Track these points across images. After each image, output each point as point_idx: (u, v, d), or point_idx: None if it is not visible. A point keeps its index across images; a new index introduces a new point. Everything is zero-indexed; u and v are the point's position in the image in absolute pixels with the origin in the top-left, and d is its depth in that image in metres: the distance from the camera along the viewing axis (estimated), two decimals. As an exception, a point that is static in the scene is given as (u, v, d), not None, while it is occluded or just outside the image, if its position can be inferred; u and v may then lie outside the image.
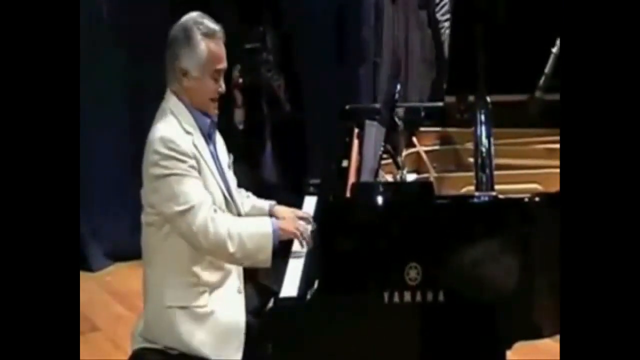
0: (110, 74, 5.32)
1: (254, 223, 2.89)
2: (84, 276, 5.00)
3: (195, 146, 2.83)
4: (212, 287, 2.87)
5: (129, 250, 4.67)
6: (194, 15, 2.88)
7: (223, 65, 2.89)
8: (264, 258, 2.83)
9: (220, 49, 2.87)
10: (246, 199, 3.18)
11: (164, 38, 2.91)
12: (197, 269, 2.84)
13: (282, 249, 2.92)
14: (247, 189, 3.24)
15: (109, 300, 4.94)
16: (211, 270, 2.86)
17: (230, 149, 3.11)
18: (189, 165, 2.79)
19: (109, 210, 5.42)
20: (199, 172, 2.83)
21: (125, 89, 5.41)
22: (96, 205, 5.34)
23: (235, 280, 2.94)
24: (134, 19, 5.33)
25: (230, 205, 2.96)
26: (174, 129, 2.82)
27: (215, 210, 2.82)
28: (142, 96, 5.21)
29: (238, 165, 3.15)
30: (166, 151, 2.76)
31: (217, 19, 2.93)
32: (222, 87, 2.91)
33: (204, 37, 2.84)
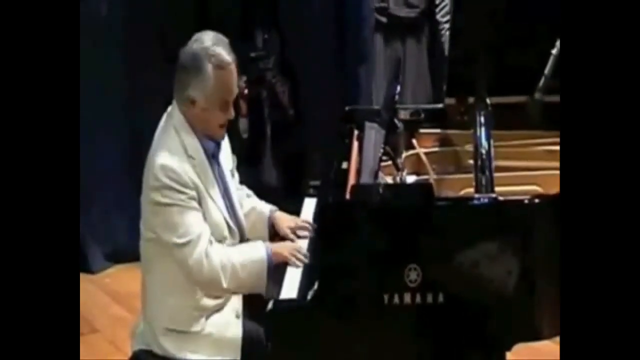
0: (109, 74, 5.31)
1: (247, 252, 2.84)
2: (83, 278, 4.98)
3: (197, 173, 2.79)
4: (211, 311, 2.85)
5: (128, 251, 4.67)
6: (206, 43, 2.75)
7: (233, 95, 2.82)
8: (259, 285, 2.81)
9: (231, 79, 2.78)
10: (246, 199, 3.15)
11: (164, 39, 2.88)
12: (195, 293, 2.82)
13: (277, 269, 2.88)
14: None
15: (109, 302, 4.93)
16: (210, 296, 2.85)
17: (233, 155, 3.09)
18: (189, 196, 2.76)
19: (108, 212, 5.41)
20: (199, 201, 2.80)
21: (124, 89, 5.39)
22: (96, 206, 5.33)
23: (235, 304, 2.91)
24: (133, 20, 5.32)
25: (233, 231, 2.91)
26: (176, 154, 2.77)
27: (211, 242, 2.79)
28: (141, 97, 5.20)
29: (239, 168, 3.14)
30: (167, 181, 2.73)
31: (220, 28, 2.87)
32: (232, 114, 2.84)
33: (215, 68, 2.74)
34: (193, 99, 2.77)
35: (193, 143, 2.82)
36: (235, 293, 2.89)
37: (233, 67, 2.78)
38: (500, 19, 3.57)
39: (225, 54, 2.76)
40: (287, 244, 2.99)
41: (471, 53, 3.54)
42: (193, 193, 2.77)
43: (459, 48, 3.80)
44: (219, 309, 2.87)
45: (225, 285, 2.78)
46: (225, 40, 2.81)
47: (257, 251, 2.84)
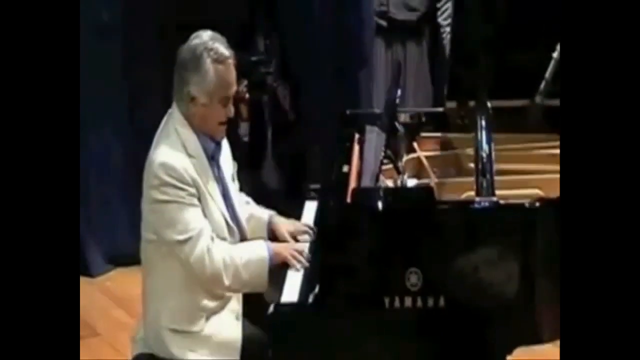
0: (109, 75, 5.28)
1: (249, 250, 2.85)
2: (84, 281, 4.98)
3: (196, 171, 2.81)
4: (210, 312, 2.86)
5: (129, 255, 4.66)
6: (205, 38, 2.80)
7: (232, 90, 2.85)
8: (260, 284, 2.83)
9: (230, 74, 2.82)
10: (245, 205, 3.14)
11: (165, 36, 2.86)
12: (195, 293, 2.83)
13: (278, 268, 2.89)
14: (248, 195, 3.23)
15: (109, 306, 4.93)
16: (210, 296, 2.86)
17: (234, 159, 3.09)
18: (189, 193, 2.77)
19: (109, 215, 5.40)
20: (199, 199, 2.81)
21: (124, 93, 5.38)
22: (96, 209, 5.33)
23: (235, 306, 2.92)
24: (133, 17, 5.30)
25: (233, 230, 2.92)
26: (176, 153, 2.79)
27: (212, 239, 2.80)
28: (142, 96, 5.19)
29: (240, 172, 3.14)
30: (167, 178, 2.75)
31: (221, 32, 2.88)
32: (231, 111, 2.87)
33: (214, 63, 2.77)
34: (193, 95, 2.80)
35: (193, 142, 2.84)
36: (237, 292, 2.90)
37: (231, 62, 2.82)
38: (501, 22, 3.58)
39: (223, 48, 2.80)
40: (288, 245, 2.99)
41: (472, 56, 3.55)
42: (192, 190, 2.79)
43: (460, 51, 3.80)
44: (218, 310, 2.87)
45: (227, 283, 2.79)
46: (223, 38, 2.85)
47: (259, 250, 2.85)
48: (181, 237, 2.76)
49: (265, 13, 5.59)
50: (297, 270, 2.86)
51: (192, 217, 2.78)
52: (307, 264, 2.87)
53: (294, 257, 2.88)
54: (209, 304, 2.85)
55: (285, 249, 2.92)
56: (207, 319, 2.85)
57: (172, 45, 2.92)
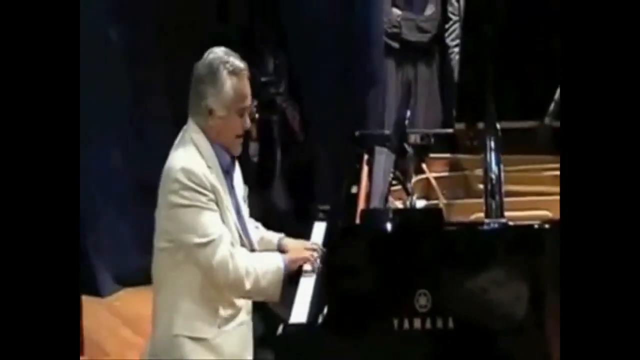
0: (109, 75, 5.26)
1: (267, 259, 2.92)
2: (93, 301, 4.99)
3: (214, 181, 2.84)
4: (222, 321, 2.87)
5: (138, 275, 4.67)
6: (219, 53, 2.88)
7: (248, 102, 2.91)
8: (274, 293, 2.86)
9: (246, 86, 2.89)
10: (255, 230, 3.16)
11: (165, 36, 2.85)
12: (208, 300, 2.85)
13: (291, 280, 2.93)
14: (258, 216, 3.24)
15: (118, 326, 4.93)
16: (223, 304, 2.87)
17: (243, 179, 3.11)
18: (208, 198, 2.81)
19: (118, 235, 5.41)
20: (217, 205, 2.84)
21: (124, 93, 5.35)
22: (105, 230, 5.34)
23: (244, 316, 2.94)
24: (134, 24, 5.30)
25: (244, 242, 2.96)
26: (195, 160, 2.83)
27: (233, 245, 2.84)
28: (142, 95, 5.19)
29: (250, 192, 3.15)
30: (188, 182, 2.78)
31: (221, 33, 2.91)
32: (248, 123, 2.93)
33: (230, 75, 2.84)
34: (211, 108, 2.85)
35: (210, 154, 2.88)
36: (252, 298, 2.93)
37: (246, 74, 2.89)
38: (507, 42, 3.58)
39: (238, 61, 2.88)
40: (300, 243, 3.09)
41: (481, 78, 3.55)
42: (212, 195, 2.82)
43: (468, 72, 3.81)
44: (230, 319, 2.89)
45: (248, 287, 2.82)
46: (236, 53, 2.92)
47: (275, 260, 2.91)
48: (202, 240, 2.78)
49: (265, 14, 5.58)
50: (313, 268, 2.98)
51: (212, 221, 2.81)
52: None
53: (309, 254, 2.99)
54: (222, 312, 2.87)
55: (298, 253, 3.02)
56: (219, 327, 2.86)
57: (172, 45, 2.93)
